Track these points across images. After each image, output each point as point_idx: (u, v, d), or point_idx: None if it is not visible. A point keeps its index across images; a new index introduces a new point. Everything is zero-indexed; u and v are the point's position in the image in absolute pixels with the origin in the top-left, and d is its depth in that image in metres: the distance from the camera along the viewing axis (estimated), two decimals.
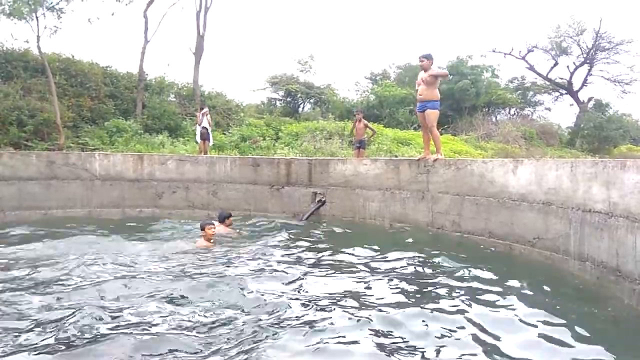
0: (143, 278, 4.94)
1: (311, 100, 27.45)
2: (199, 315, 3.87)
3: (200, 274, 5.18)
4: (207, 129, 12.98)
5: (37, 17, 13.66)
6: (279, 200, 9.46)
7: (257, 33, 55.78)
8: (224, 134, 17.59)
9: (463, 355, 3.26)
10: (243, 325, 3.66)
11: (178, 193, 9.82)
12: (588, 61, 30.12)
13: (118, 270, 5.31)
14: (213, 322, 3.74)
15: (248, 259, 5.97)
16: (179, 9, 37.18)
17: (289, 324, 3.69)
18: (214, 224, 7.00)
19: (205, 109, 13.39)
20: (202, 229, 6.83)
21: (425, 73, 7.57)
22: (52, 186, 9.47)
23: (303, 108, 27.55)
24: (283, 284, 4.84)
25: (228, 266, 5.58)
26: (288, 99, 27.25)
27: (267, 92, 27.82)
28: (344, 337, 3.46)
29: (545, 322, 3.80)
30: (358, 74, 62.01)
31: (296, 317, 3.86)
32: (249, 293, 4.42)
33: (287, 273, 5.25)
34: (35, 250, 6.34)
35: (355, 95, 30.40)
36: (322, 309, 4.02)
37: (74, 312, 3.79)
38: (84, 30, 40.80)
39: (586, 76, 30.97)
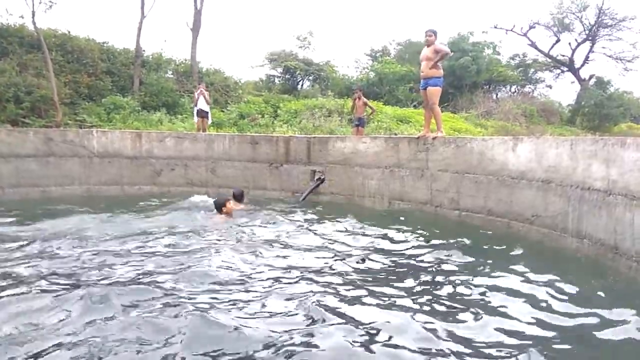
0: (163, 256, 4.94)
1: (310, 77, 27.18)
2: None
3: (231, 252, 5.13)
4: (203, 110, 12.69)
5: None
6: (278, 177, 9.45)
7: (256, 8, 54.95)
8: (222, 111, 17.48)
9: (468, 326, 3.30)
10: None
11: (177, 170, 9.81)
12: (590, 38, 29.81)
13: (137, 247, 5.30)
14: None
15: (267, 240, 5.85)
16: None
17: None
18: (230, 199, 7.09)
19: (200, 87, 13.05)
20: (223, 204, 6.79)
21: (429, 49, 7.48)
22: (50, 163, 9.44)
23: (302, 85, 27.31)
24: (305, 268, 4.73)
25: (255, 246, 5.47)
26: (287, 76, 26.96)
27: (265, 69, 27.54)
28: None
29: (545, 294, 3.85)
30: (358, 51, 61.40)
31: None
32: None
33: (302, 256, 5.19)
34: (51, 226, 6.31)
35: (355, 72, 30.15)
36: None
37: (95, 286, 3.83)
38: (80, 6, 40.23)
39: (588, 53, 30.74)
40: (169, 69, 20.22)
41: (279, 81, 27.18)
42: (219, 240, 5.70)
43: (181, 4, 36.67)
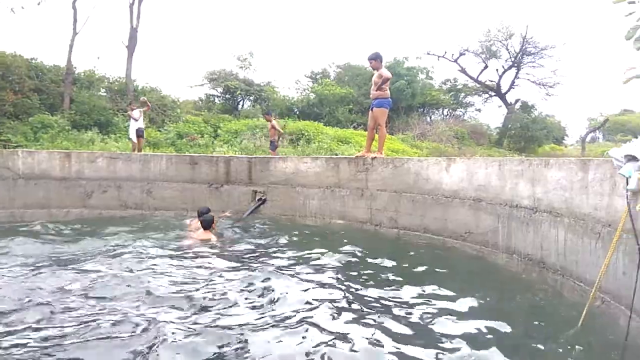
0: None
1: (251, 98, 27.08)
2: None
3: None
4: (142, 128, 12.42)
5: None
6: (218, 199, 9.27)
7: (195, 27, 54.44)
8: (159, 130, 17.04)
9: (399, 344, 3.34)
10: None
11: (109, 192, 9.38)
12: (515, 65, 31.77)
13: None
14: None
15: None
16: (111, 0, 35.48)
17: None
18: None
19: (132, 106, 12.82)
20: (211, 223, 7.17)
21: (376, 73, 7.80)
22: None
23: (243, 105, 27.14)
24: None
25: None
26: (227, 96, 26.71)
27: (205, 89, 27.14)
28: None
29: (477, 312, 3.98)
30: (298, 72, 62.09)
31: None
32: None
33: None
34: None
35: (296, 94, 30.37)
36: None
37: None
38: (6, 20, 38.16)
39: (513, 79, 32.67)
40: (102, 86, 19.56)
41: (219, 101, 26.88)
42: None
43: (116, 21, 35.72)
